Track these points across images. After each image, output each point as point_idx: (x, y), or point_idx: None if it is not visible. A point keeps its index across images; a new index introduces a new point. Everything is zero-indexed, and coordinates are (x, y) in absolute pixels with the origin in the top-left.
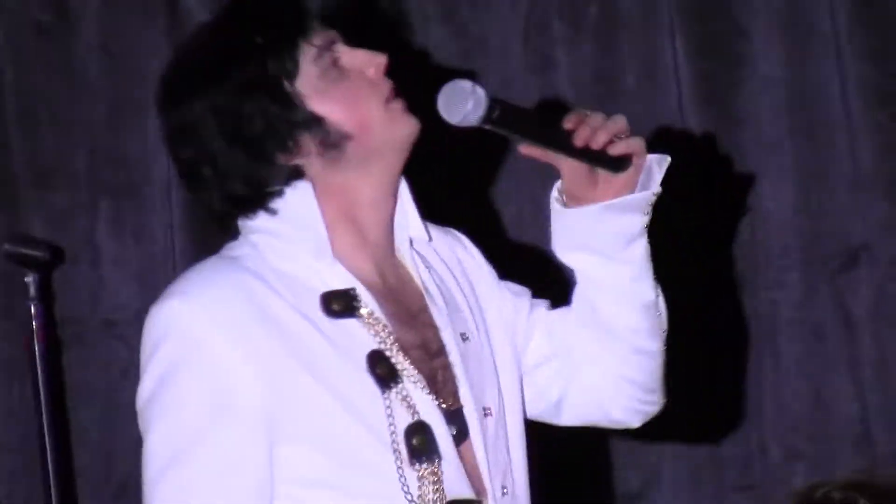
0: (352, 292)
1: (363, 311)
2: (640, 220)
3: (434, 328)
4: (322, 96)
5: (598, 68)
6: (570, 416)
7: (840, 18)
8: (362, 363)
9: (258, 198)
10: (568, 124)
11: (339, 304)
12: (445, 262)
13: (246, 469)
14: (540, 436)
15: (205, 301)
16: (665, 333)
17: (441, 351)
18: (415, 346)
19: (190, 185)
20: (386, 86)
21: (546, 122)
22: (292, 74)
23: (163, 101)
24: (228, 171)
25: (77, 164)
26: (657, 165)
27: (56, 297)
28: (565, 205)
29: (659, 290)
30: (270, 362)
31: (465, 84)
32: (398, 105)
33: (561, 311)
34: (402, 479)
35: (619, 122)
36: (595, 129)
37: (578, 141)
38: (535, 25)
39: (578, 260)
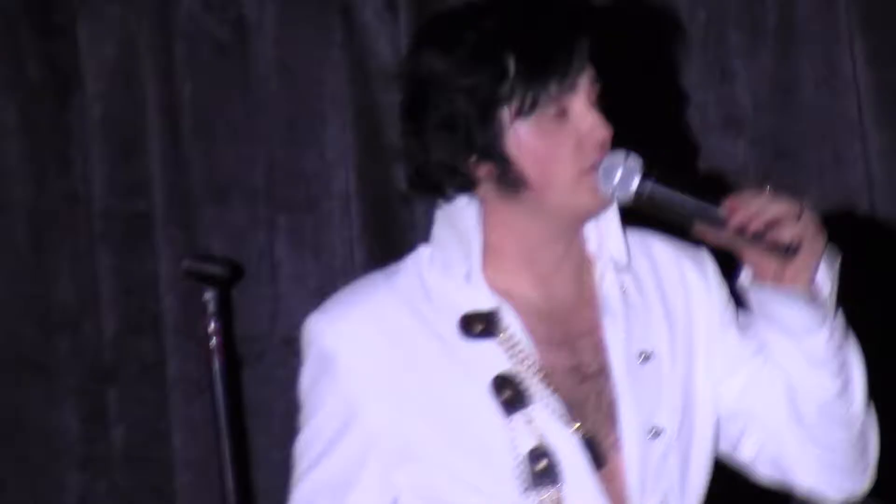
0: (495, 313)
1: (503, 333)
2: (810, 315)
3: (600, 350)
4: (524, 137)
5: (777, 78)
6: (760, 475)
7: None
8: (489, 387)
9: (434, 179)
10: (724, 209)
11: (481, 324)
12: (662, 279)
13: (357, 486)
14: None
15: (343, 321)
16: (858, 422)
17: (601, 372)
18: (563, 368)
19: (403, 134)
20: (593, 157)
21: (705, 201)
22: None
23: (415, 46)
24: (427, 140)
25: (255, 179)
26: (825, 266)
27: (235, 314)
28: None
29: (851, 380)
30: (396, 387)
31: (629, 159)
32: (591, 179)
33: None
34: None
35: (782, 207)
36: (753, 214)
37: (733, 224)
38: (712, 36)
39: (767, 334)
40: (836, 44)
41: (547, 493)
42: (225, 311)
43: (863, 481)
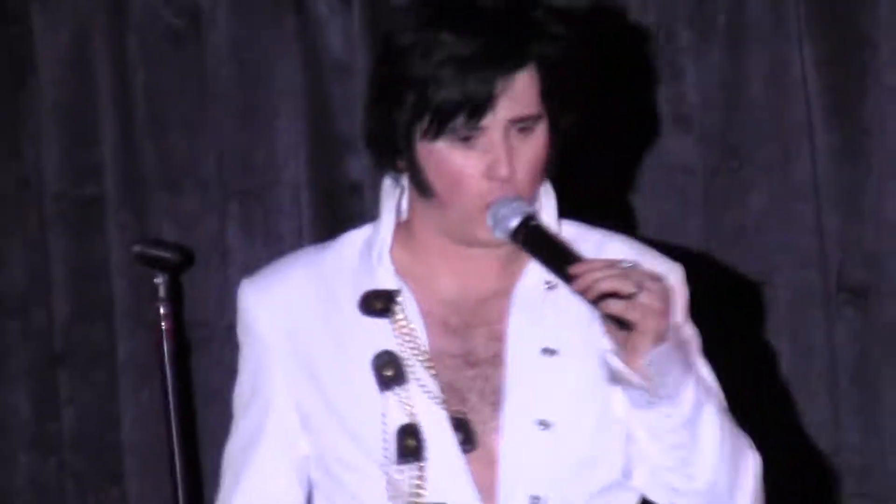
0: (395, 294)
1: (398, 314)
2: (639, 392)
3: (499, 340)
4: (434, 153)
5: (726, 77)
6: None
7: None
8: (371, 362)
9: (376, 152)
10: (572, 269)
11: (380, 303)
12: None
13: (260, 449)
14: None
15: (263, 291)
16: (697, 496)
17: (494, 361)
18: (451, 354)
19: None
20: (494, 193)
21: (564, 259)
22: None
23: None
24: (366, 121)
25: (207, 167)
26: (665, 349)
27: (185, 299)
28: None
29: (693, 460)
30: (295, 358)
31: (516, 203)
32: (485, 217)
33: None
34: (387, 478)
35: (617, 282)
36: (590, 282)
37: (573, 287)
38: (663, 34)
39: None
40: (786, 44)
41: (411, 471)
42: (175, 297)
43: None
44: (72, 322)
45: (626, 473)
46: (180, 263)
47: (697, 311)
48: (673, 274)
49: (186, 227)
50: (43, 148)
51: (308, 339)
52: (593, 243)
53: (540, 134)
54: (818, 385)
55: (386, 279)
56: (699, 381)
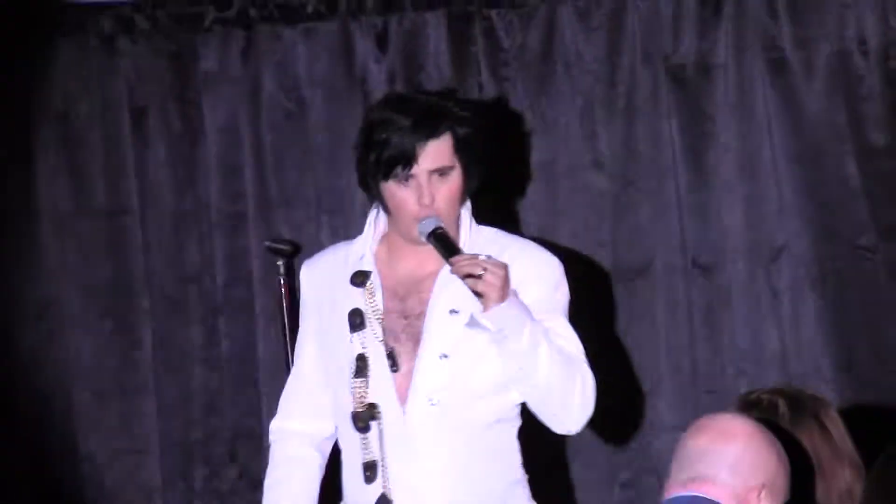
0: (369, 273)
1: (368, 285)
2: (491, 333)
3: (424, 303)
4: (386, 188)
5: (623, 138)
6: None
7: (770, 107)
8: (347, 314)
9: (363, 187)
10: (452, 259)
11: (360, 278)
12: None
13: (302, 357)
14: None
15: (309, 266)
16: (540, 384)
17: (420, 316)
18: (394, 311)
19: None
20: (422, 215)
21: (452, 253)
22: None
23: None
24: (357, 165)
25: (308, 194)
26: (501, 309)
27: (295, 275)
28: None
29: (531, 374)
30: (318, 308)
31: (432, 220)
32: (415, 227)
33: None
34: (350, 387)
35: (475, 267)
36: (459, 267)
37: (452, 270)
38: (587, 115)
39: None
40: (660, 118)
41: (361, 382)
42: (289, 273)
43: (571, 426)
44: (227, 287)
45: (500, 384)
46: (292, 253)
47: (573, 290)
48: (549, 263)
49: (297, 230)
50: (209, 182)
51: (322, 298)
52: (499, 241)
53: (455, 177)
54: (680, 324)
55: (366, 264)
56: (537, 327)
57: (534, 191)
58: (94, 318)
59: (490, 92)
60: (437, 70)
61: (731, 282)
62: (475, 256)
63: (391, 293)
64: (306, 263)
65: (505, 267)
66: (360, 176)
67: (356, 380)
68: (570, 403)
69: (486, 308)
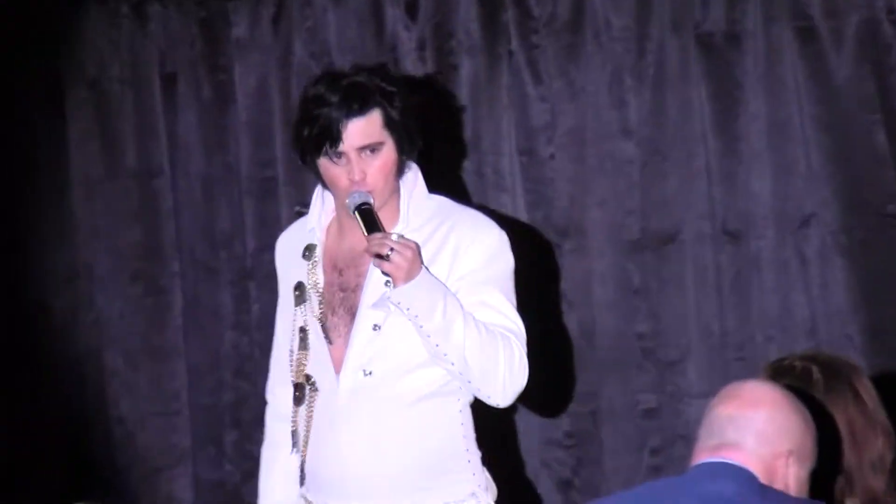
0: (315, 247)
1: (313, 259)
2: (398, 309)
3: (361, 276)
4: (321, 164)
5: (653, 107)
6: None
7: (799, 75)
8: (293, 287)
9: (301, 163)
10: (367, 237)
11: (308, 252)
12: (451, 236)
13: (279, 330)
14: None
15: (279, 240)
16: (457, 361)
17: (357, 289)
18: (332, 284)
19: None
20: (351, 189)
21: (372, 230)
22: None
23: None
24: (294, 141)
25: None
26: (401, 294)
27: None
28: None
29: (446, 352)
30: (282, 275)
31: (359, 195)
32: (347, 201)
33: None
34: (291, 357)
35: (382, 247)
36: (370, 247)
37: (365, 249)
38: (615, 81)
39: None
40: (690, 86)
41: (302, 354)
42: None
43: (498, 400)
44: (256, 252)
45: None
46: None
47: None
48: (488, 234)
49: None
50: (240, 148)
51: (283, 270)
52: (443, 211)
53: (386, 153)
54: (709, 291)
55: (313, 238)
56: (453, 305)
57: (562, 158)
58: (125, 282)
59: (520, 60)
60: (468, 37)
61: (759, 249)
62: (387, 236)
63: (332, 266)
64: (280, 236)
65: (413, 248)
66: (298, 152)
67: (300, 352)
68: (493, 378)
69: (394, 286)
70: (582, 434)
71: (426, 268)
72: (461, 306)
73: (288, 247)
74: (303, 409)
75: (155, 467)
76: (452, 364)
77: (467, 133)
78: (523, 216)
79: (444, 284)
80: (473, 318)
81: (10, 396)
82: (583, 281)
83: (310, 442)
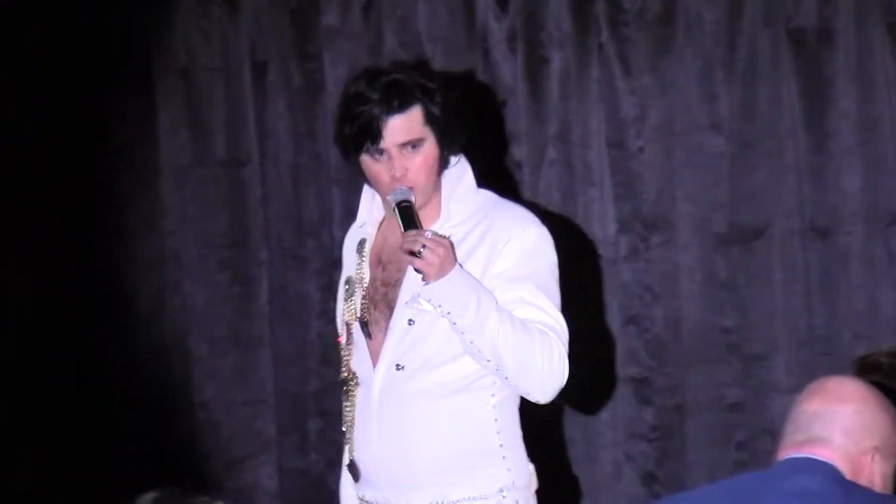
0: (365, 241)
1: (363, 253)
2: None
3: (402, 272)
4: (363, 161)
5: (743, 100)
6: None
7: (891, 72)
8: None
9: (343, 159)
10: (402, 234)
11: (360, 246)
12: (490, 232)
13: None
14: None
15: (348, 234)
16: (493, 357)
17: (397, 284)
18: (376, 278)
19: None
20: (393, 186)
21: (409, 227)
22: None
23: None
24: (336, 139)
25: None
26: (433, 292)
27: None
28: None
29: (481, 349)
30: (343, 269)
31: (401, 192)
32: (389, 198)
33: None
34: (344, 351)
35: (415, 245)
36: (405, 244)
37: (400, 246)
38: (706, 75)
39: None
40: (780, 81)
41: (349, 348)
42: None
43: (538, 396)
44: (343, 241)
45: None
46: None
47: (562, 256)
48: (528, 230)
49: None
50: (329, 137)
51: (345, 263)
52: (486, 207)
53: (427, 149)
54: (796, 287)
55: (365, 233)
56: (487, 301)
57: (651, 152)
58: (212, 270)
59: (610, 53)
60: (558, 30)
61: (848, 245)
62: (421, 233)
63: (377, 262)
64: (350, 229)
65: (446, 245)
66: (340, 150)
67: (347, 346)
68: (530, 374)
69: (425, 284)
70: (666, 427)
71: (460, 265)
72: (496, 303)
73: (351, 240)
74: (351, 406)
75: (239, 455)
76: (488, 360)
77: (555, 126)
78: (611, 209)
79: (478, 281)
80: (510, 314)
81: (97, 381)
82: (670, 274)
83: (354, 437)
